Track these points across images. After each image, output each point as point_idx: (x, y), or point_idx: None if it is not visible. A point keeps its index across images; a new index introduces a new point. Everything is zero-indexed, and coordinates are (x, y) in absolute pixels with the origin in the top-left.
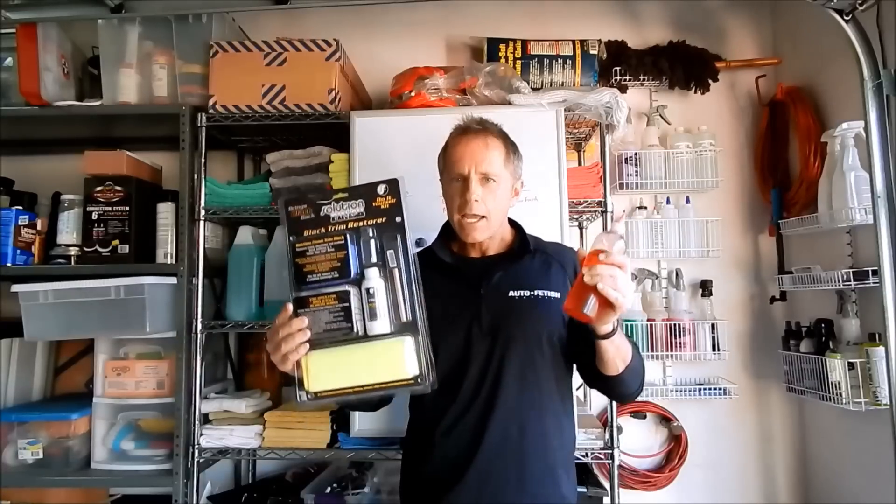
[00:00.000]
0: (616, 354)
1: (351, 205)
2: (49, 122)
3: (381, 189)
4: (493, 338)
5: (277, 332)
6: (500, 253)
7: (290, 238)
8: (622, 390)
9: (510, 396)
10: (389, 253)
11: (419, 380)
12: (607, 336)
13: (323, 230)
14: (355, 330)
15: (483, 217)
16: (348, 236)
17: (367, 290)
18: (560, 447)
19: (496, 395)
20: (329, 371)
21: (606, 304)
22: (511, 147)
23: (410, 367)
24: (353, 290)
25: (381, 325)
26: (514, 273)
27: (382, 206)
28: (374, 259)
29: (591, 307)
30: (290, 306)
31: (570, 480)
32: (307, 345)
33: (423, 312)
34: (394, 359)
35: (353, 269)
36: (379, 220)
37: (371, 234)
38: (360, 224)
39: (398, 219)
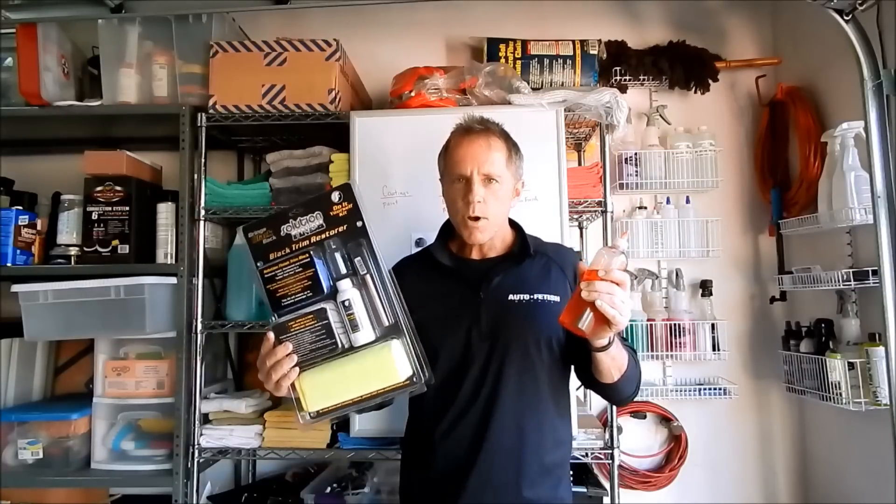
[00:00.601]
0: (612, 365)
1: (309, 219)
2: (49, 122)
3: (335, 196)
4: (492, 341)
5: (265, 362)
6: (500, 255)
7: (258, 265)
8: (617, 396)
9: (509, 399)
10: (357, 260)
11: (414, 379)
12: (603, 349)
13: (287, 250)
14: (340, 345)
15: (485, 219)
16: (312, 252)
17: (343, 302)
18: (558, 449)
19: (495, 398)
20: (323, 389)
21: (603, 321)
22: (513, 147)
23: (402, 370)
24: (329, 306)
25: (365, 334)
26: (515, 276)
27: (340, 214)
28: (343, 270)
29: (586, 323)
30: (272, 335)
31: (567, 481)
32: (297, 369)
33: (405, 311)
34: (384, 365)
35: (325, 284)
36: (340, 229)
37: (334, 245)
38: (322, 237)
39: (359, 223)
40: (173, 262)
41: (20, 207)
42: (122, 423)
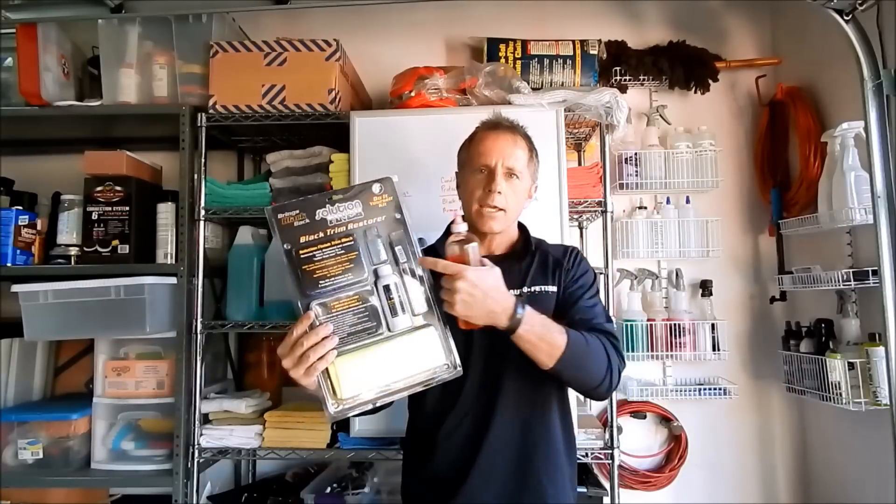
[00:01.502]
0: (534, 350)
1: (348, 206)
2: (49, 122)
3: (376, 188)
4: (492, 339)
5: (301, 344)
6: (504, 254)
7: (287, 246)
8: (575, 386)
9: (511, 397)
10: (398, 249)
11: (448, 367)
12: (510, 332)
13: (321, 234)
14: (383, 328)
15: (502, 210)
16: (356, 236)
17: (385, 287)
18: (559, 448)
19: (497, 396)
20: (359, 374)
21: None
22: (533, 150)
23: (439, 355)
24: (373, 290)
25: (404, 320)
26: (516, 272)
27: (380, 205)
28: (383, 256)
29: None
30: (312, 313)
31: (571, 482)
32: (335, 351)
33: (438, 300)
34: (421, 350)
35: (366, 269)
36: (379, 219)
37: (377, 233)
38: (362, 223)
39: (398, 215)
40: (173, 262)
41: (20, 207)
42: (122, 423)
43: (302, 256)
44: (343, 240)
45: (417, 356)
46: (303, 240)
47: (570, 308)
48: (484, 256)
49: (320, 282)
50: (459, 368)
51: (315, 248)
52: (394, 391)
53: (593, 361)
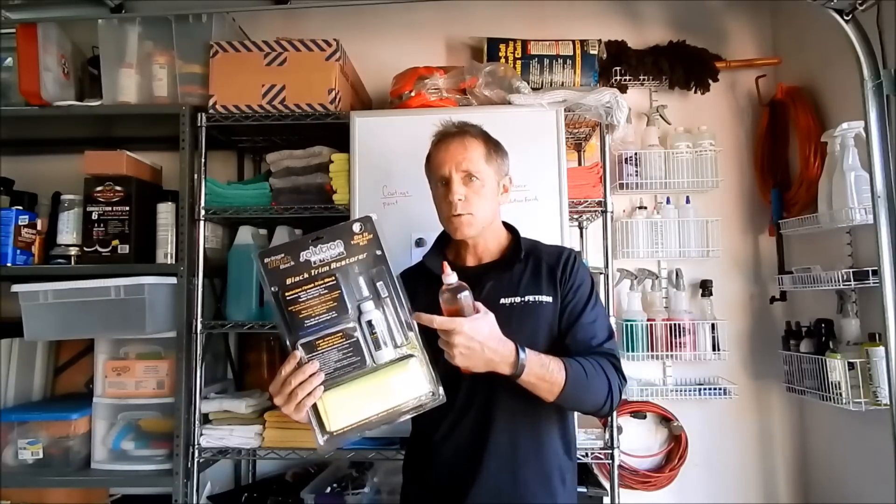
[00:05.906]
0: (534, 389)
1: (329, 246)
2: (49, 122)
3: (356, 227)
4: None
5: (288, 383)
6: (493, 261)
7: (274, 289)
8: (578, 410)
9: (504, 405)
10: (379, 284)
11: (432, 395)
12: (514, 377)
13: (306, 275)
14: (367, 362)
15: (469, 214)
16: (338, 276)
17: (369, 322)
18: (555, 453)
19: (490, 404)
20: (346, 407)
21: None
22: (492, 145)
23: (422, 385)
24: (356, 326)
25: (387, 352)
26: (506, 280)
27: (361, 243)
28: (365, 293)
29: None
30: (299, 354)
31: (569, 485)
32: (322, 387)
33: (418, 332)
34: (406, 379)
35: (349, 306)
36: (360, 256)
37: (357, 271)
38: (343, 263)
39: (378, 252)
40: (173, 262)
41: (20, 207)
42: (122, 423)
43: (288, 298)
44: (326, 279)
45: (402, 386)
46: (289, 281)
47: (572, 326)
48: (472, 266)
49: (306, 321)
50: (443, 396)
51: (300, 290)
52: (380, 421)
53: (593, 390)
